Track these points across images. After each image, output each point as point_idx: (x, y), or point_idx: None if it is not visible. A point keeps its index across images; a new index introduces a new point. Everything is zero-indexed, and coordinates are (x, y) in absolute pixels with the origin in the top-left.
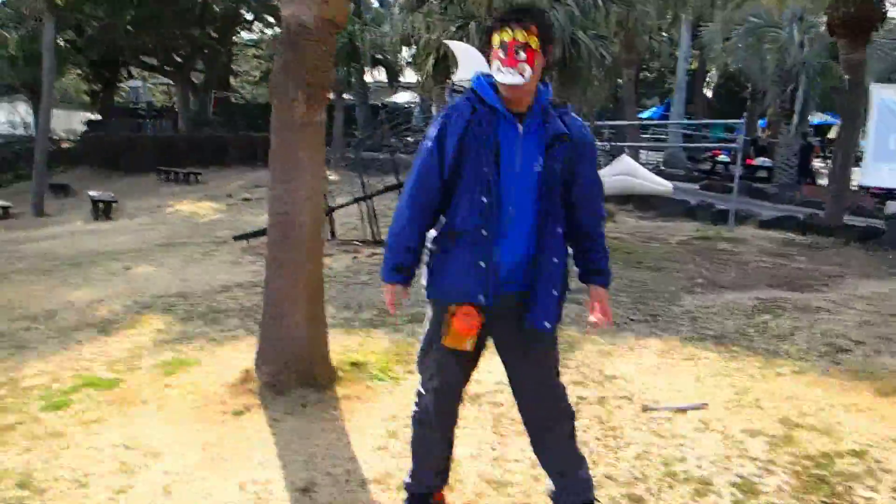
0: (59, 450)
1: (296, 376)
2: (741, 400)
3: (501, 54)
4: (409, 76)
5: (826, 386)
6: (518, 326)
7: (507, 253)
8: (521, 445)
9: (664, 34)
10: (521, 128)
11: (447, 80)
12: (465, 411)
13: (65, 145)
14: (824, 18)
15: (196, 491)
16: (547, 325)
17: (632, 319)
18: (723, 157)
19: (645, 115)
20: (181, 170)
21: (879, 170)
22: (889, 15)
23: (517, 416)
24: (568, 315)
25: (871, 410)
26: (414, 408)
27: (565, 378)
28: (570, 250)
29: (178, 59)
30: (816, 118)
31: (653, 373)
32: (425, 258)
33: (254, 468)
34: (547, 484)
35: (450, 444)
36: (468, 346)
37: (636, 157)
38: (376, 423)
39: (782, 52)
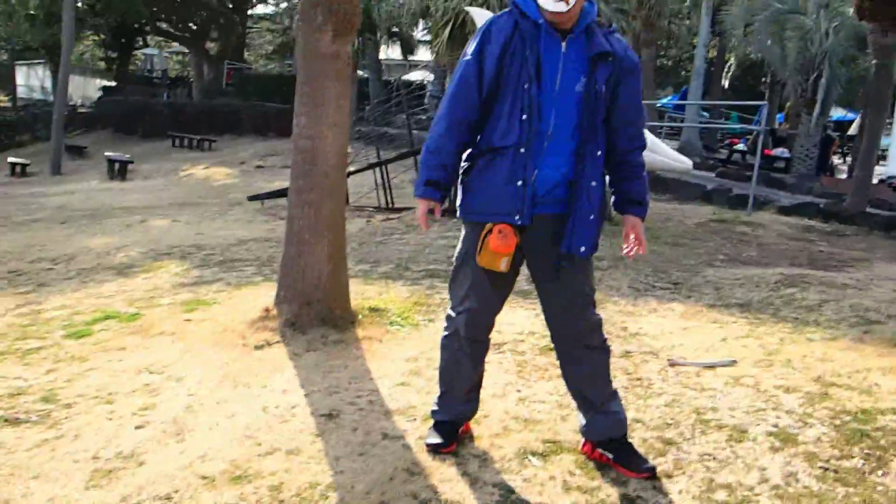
0: (83, 371)
1: (316, 315)
2: (772, 359)
3: None
4: (423, 55)
5: (861, 351)
6: (554, 251)
7: (546, 173)
8: (547, 389)
9: (685, 21)
10: (564, 45)
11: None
12: (487, 358)
13: (81, 110)
14: (850, 9)
15: (220, 411)
16: (583, 249)
17: (654, 286)
18: (740, 146)
19: (659, 103)
20: (195, 136)
21: None
22: None
23: (540, 362)
24: None
25: None
26: (444, 332)
27: None
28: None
29: (194, 27)
30: (836, 113)
31: (678, 333)
32: (461, 176)
33: (276, 394)
34: (577, 419)
35: (480, 373)
36: (503, 265)
37: None
38: (398, 362)
39: (805, 41)
